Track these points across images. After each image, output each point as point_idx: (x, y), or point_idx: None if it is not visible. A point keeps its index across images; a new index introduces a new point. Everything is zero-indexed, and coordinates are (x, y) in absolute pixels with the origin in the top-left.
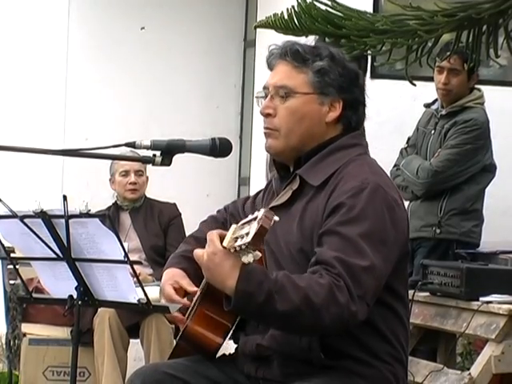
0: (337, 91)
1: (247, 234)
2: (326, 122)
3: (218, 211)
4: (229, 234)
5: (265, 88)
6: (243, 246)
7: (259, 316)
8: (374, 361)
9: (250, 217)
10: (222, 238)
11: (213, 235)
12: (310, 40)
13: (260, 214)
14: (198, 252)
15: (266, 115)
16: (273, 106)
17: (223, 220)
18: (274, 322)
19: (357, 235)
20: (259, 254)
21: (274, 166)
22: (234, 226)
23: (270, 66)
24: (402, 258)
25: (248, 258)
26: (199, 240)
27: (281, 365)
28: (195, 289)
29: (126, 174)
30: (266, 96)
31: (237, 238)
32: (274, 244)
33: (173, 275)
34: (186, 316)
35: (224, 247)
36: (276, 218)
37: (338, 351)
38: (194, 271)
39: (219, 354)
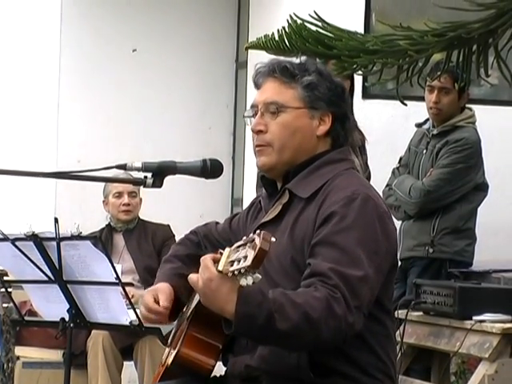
0: (326, 105)
1: (245, 257)
2: (316, 136)
3: (186, 239)
4: (223, 258)
5: (253, 106)
6: (242, 270)
7: (260, 337)
8: (363, 377)
9: (245, 239)
10: (215, 261)
11: (207, 260)
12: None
13: (257, 236)
14: (192, 278)
15: (258, 132)
16: (264, 122)
17: (198, 240)
18: (274, 342)
19: (350, 244)
20: (259, 276)
21: (262, 183)
22: (228, 250)
23: (257, 85)
24: (391, 270)
25: (247, 281)
26: (180, 258)
27: None
28: (166, 305)
29: (119, 195)
30: (254, 115)
31: (233, 261)
32: (265, 259)
33: (157, 287)
34: (176, 340)
35: (220, 271)
36: (273, 239)
37: (327, 368)
38: (184, 289)
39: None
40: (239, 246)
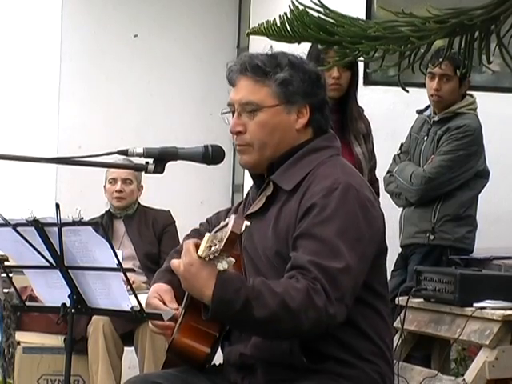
0: (302, 98)
1: (219, 240)
2: (296, 130)
3: (201, 224)
4: (203, 243)
5: (229, 105)
6: (216, 254)
7: (238, 323)
8: (357, 361)
9: (222, 224)
10: (198, 247)
11: (189, 245)
12: (267, 47)
13: (230, 220)
14: (174, 263)
15: (237, 133)
16: (241, 122)
17: (206, 232)
18: (252, 329)
19: (330, 235)
20: (233, 260)
21: (250, 176)
22: (207, 235)
23: (231, 82)
24: (379, 255)
25: (223, 265)
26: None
27: (265, 372)
28: (175, 305)
29: (113, 181)
30: (231, 112)
31: (210, 246)
32: (252, 250)
33: (157, 290)
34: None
35: (199, 256)
36: (247, 223)
37: (321, 353)
38: (179, 283)
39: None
40: (217, 231)
